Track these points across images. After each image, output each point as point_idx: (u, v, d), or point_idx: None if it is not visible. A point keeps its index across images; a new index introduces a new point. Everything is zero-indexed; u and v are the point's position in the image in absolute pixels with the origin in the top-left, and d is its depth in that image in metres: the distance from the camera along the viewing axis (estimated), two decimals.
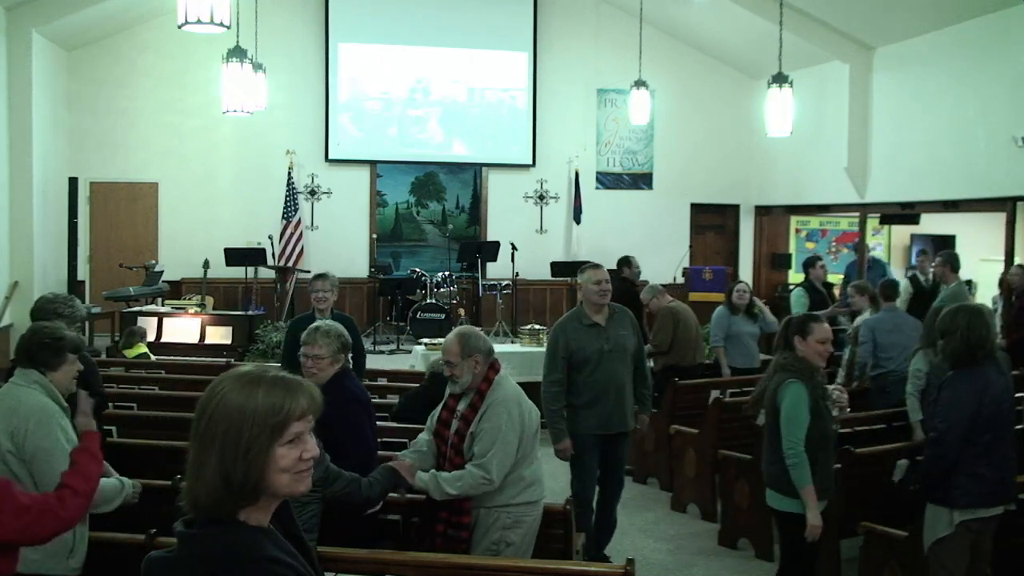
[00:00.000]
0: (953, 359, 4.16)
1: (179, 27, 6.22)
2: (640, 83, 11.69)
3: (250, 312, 11.22)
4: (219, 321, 10.57)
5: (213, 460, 1.64)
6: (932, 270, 9.88)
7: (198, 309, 11.23)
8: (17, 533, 2.86)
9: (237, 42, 9.21)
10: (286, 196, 13.22)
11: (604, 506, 5.51)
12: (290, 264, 12.75)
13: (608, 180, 14.80)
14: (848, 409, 4.48)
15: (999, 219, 10.65)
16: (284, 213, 13.18)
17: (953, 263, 8.48)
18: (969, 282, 9.08)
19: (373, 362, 10.75)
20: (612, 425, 5.28)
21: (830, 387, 4.39)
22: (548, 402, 5.20)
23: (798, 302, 8.88)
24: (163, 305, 11.43)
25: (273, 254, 12.76)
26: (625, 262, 9.82)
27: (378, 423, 5.73)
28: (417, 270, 13.05)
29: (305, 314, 6.51)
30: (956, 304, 4.49)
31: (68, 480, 3.05)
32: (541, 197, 14.59)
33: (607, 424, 5.26)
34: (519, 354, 8.80)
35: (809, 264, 9.09)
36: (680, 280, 13.20)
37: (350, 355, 4.14)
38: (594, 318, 5.27)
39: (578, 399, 5.22)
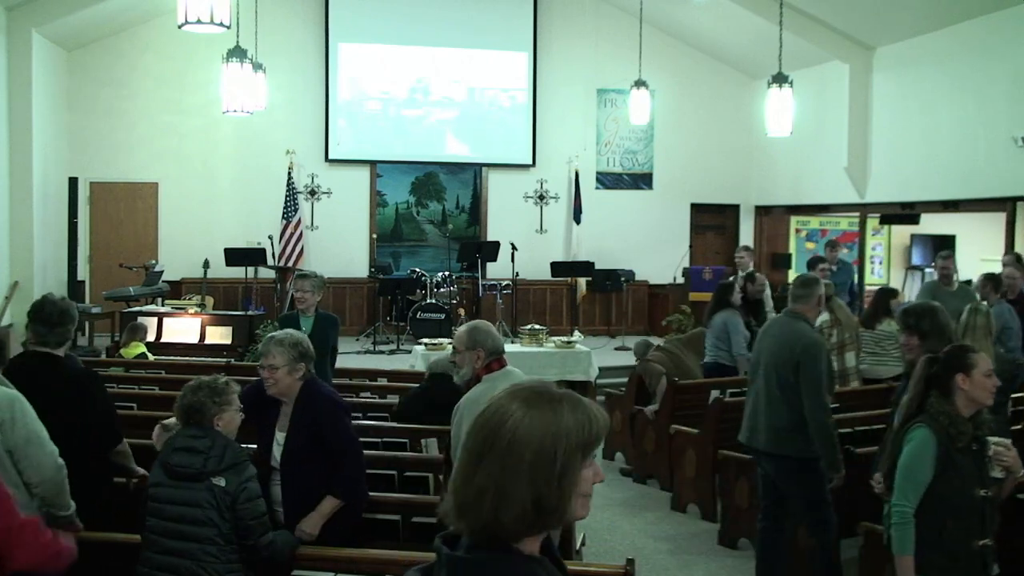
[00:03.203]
0: None
1: (179, 27, 6.23)
2: (640, 83, 11.69)
3: (250, 312, 11.20)
4: (219, 321, 10.55)
5: (522, 486, 1.52)
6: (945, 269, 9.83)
7: (198, 309, 11.22)
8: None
9: (237, 42, 9.20)
10: (286, 196, 13.21)
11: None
12: (290, 264, 12.74)
13: (608, 180, 14.79)
14: (1022, 470, 3.42)
15: (999, 219, 10.66)
16: (284, 213, 13.18)
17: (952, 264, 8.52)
18: (969, 282, 9.06)
19: (373, 362, 10.78)
20: None
21: (992, 440, 3.38)
22: (830, 428, 4.67)
23: None
24: (163, 305, 11.42)
25: (273, 254, 12.76)
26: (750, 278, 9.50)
27: (379, 423, 5.77)
28: (417, 270, 13.03)
29: (290, 312, 6.53)
30: (923, 302, 4.31)
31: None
32: (541, 197, 14.59)
33: None
34: (519, 354, 8.79)
35: (811, 265, 9.05)
36: (680, 280, 13.19)
37: (312, 364, 3.97)
38: None
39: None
